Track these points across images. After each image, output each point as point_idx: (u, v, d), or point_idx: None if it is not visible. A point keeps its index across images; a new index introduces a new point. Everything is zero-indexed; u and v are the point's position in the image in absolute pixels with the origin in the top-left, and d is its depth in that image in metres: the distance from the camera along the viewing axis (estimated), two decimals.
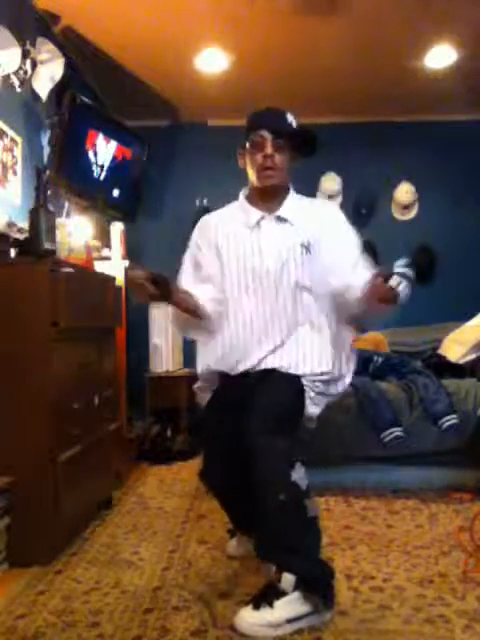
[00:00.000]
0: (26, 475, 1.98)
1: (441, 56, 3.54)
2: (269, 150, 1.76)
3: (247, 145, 1.81)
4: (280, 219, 1.84)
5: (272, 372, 1.77)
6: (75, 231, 3.02)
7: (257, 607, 1.55)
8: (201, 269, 1.90)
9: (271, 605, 1.55)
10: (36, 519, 1.99)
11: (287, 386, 1.75)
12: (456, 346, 3.44)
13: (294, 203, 1.87)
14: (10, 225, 2.40)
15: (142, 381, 3.87)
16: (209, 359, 1.87)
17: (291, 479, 1.60)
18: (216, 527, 2.32)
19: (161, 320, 3.95)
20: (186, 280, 1.90)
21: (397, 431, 2.71)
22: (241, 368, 1.81)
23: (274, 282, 1.79)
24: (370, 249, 4.78)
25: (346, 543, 2.15)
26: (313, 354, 1.78)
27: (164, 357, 3.95)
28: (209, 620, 1.61)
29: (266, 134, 1.76)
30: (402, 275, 1.55)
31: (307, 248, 1.79)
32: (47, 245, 2.16)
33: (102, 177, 3.59)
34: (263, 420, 1.62)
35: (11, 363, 2.01)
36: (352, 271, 1.75)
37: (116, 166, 3.70)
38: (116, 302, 2.83)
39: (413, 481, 2.80)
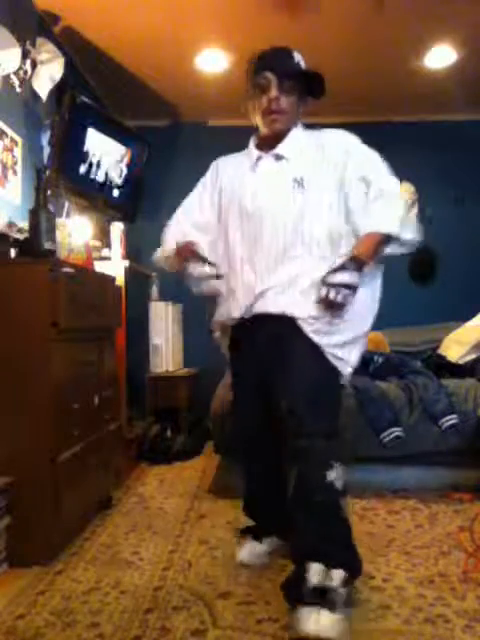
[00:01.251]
0: (26, 475, 1.99)
1: (441, 56, 3.54)
2: (274, 92, 1.69)
3: (253, 89, 1.73)
4: (278, 157, 1.77)
5: (290, 337, 1.67)
6: (75, 231, 3.02)
7: (319, 611, 1.48)
8: (203, 211, 1.92)
9: (333, 606, 1.50)
10: (36, 519, 1.99)
11: (314, 362, 1.67)
12: (456, 346, 3.44)
13: (297, 138, 1.79)
14: (10, 225, 2.40)
15: (142, 381, 3.87)
16: (221, 312, 1.87)
17: (327, 480, 1.59)
18: (216, 527, 2.32)
19: (161, 320, 3.95)
20: (186, 218, 1.94)
21: (397, 431, 2.71)
22: (246, 312, 1.75)
23: (268, 222, 1.72)
24: None
25: None
26: (311, 297, 1.67)
27: (164, 357, 3.95)
28: (209, 620, 1.61)
29: (270, 76, 1.69)
30: (329, 285, 1.61)
31: (300, 183, 1.71)
32: (47, 245, 2.16)
33: (102, 177, 3.59)
34: (299, 421, 1.61)
35: (11, 363, 2.01)
36: (362, 214, 1.69)
37: (116, 166, 3.70)
38: (116, 302, 2.83)
39: (413, 481, 2.80)
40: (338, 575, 1.54)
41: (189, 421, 3.89)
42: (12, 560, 1.98)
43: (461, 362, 3.30)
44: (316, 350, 1.67)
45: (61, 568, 1.97)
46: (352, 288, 1.61)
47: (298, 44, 3.57)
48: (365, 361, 3.13)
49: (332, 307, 1.62)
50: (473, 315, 3.61)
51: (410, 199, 4.42)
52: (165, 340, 3.94)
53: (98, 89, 3.94)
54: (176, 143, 4.48)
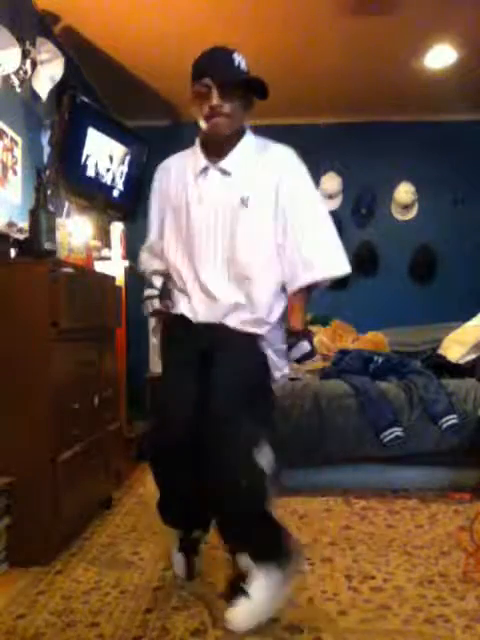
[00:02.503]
0: (26, 475, 1.98)
1: (441, 56, 3.54)
2: (214, 101, 1.63)
3: (194, 93, 1.68)
4: (224, 171, 1.73)
5: (231, 336, 1.70)
6: (75, 231, 3.02)
7: (236, 603, 1.57)
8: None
9: (247, 594, 1.56)
10: (36, 519, 1.99)
11: (248, 354, 1.71)
12: (456, 346, 3.44)
13: (243, 151, 1.74)
14: (10, 225, 2.40)
15: (142, 381, 3.87)
16: (177, 304, 1.81)
17: (255, 463, 1.56)
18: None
19: None
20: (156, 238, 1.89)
21: (397, 431, 2.71)
22: (200, 318, 1.74)
23: (214, 234, 1.71)
24: (370, 249, 4.81)
25: (346, 543, 2.16)
26: (255, 306, 1.72)
27: None
28: (209, 620, 1.61)
29: (210, 82, 1.63)
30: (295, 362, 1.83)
31: (245, 202, 1.69)
32: (47, 245, 2.16)
33: (102, 177, 3.59)
34: (226, 401, 1.60)
35: (11, 363, 2.01)
36: (297, 255, 1.70)
37: (116, 166, 3.70)
38: (116, 302, 2.83)
39: (413, 481, 2.81)
40: (243, 560, 1.60)
41: None
42: (12, 560, 1.97)
43: (461, 362, 3.30)
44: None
45: (61, 568, 1.97)
46: (310, 354, 1.76)
47: (298, 44, 3.58)
48: (365, 361, 3.13)
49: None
50: (473, 315, 3.60)
51: (411, 199, 4.45)
52: None
53: (98, 89, 3.94)
54: (176, 143, 4.46)
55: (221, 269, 1.72)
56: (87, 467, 2.30)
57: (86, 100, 3.32)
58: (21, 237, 2.35)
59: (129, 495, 2.79)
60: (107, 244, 3.69)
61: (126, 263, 3.58)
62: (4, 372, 2.01)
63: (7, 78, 2.63)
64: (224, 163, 1.73)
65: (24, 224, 2.40)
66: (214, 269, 1.72)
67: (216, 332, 1.71)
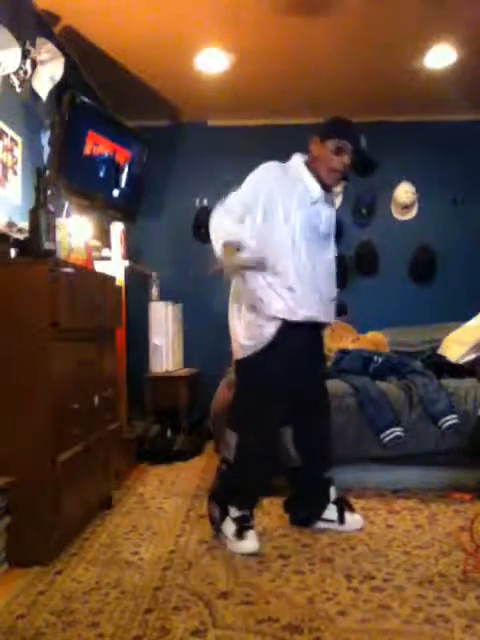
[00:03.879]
0: (26, 475, 1.98)
1: (441, 56, 3.54)
2: (348, 160, 2.18)
3: (331, 145, 2.15)
4: (326, 199, 2.28)
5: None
6: (75, 231, 3.02)
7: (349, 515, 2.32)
8: (250, 210, 2.12)
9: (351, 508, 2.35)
10: (36, 519, 1.99)
11: None
12: (456, 346, 3.44)
13: None
14: (10, 225, 2.40)
15: (142, 381, 3.87)
16: (298, 310, 2.12)
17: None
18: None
19: (161, 320, 3.95)
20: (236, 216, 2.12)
21: (397, 431, 2.71)
22: (319, 318, 2.21)
23: (327, 242, 2.28)
24: (370, 249, 4.80)
25: (346, 543, 2.16)
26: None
27: (164, 357, 3.95)
28: (209, 620, 1.61)
29: (350, 148, 2.16)
30: None
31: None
32: (47, 245, 2.16)
33: (102, 177, 3.59)
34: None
35: (11, 363, 2.01)
36: None
37: (116, 166, 3.70)
38: (116, 302, 2.83)
39: (413, 481, 2.81)
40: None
41: (189, 421, 3.89)
42: (12, 560, 1.98)
43: (461, 362, 3.30)
44: None
45: (61, 568, 1.97)
46: None
47: (298, 44, 3.57)
48: (365, 361, 3.13)
49: None
50: (473, 315, 3.61)
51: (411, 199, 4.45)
52: (165, 340, 3.94)
53: (98, 89, 3.94)
54: (176, 143, 4.48)
55: (328, 274, 2.28)
56: (87, 467, 2.31)
57: (86, 100, 3.32)
58: (21, 237, 2.35)
59: (129, 495, 2.79)
60: (107, 244, 3.69)
61: (126, 263, 3.58)
62: (4, 372, 2.01)
63: (7, 78, 2.63)
64: (330, 196, 2.32)
65: (24, 224, 2.40)
66: (330, 266, 2.30)
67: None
